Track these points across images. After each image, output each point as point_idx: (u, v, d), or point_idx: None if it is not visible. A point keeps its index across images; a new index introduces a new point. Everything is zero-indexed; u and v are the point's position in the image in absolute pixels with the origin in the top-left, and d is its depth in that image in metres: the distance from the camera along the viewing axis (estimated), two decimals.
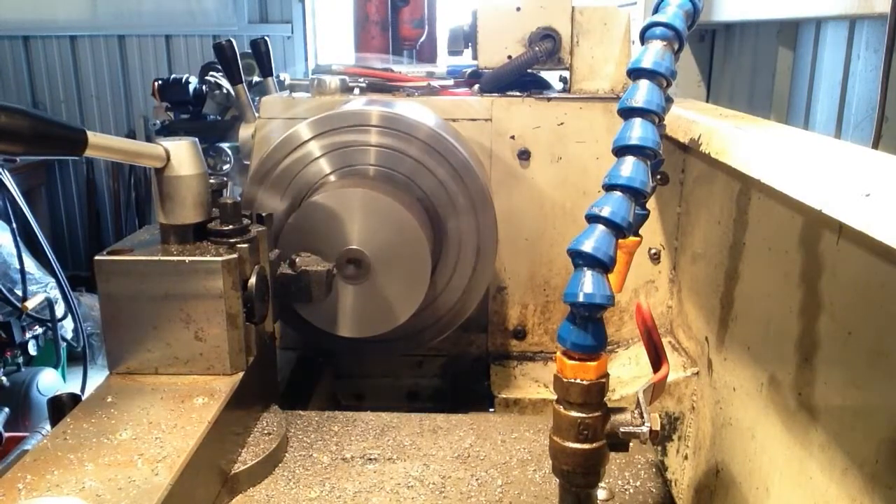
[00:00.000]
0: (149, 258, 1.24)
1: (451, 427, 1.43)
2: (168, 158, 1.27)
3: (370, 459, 1.32)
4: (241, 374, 1.27)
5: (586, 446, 1.01)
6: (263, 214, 1.41)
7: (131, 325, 1.25)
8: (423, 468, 1.29)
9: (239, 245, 1.26)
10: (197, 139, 1.32)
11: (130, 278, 1.23)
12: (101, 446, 1.07)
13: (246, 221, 1.33)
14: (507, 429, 1.43)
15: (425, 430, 1.42)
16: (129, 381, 1.25)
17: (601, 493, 1.20)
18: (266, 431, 1.33)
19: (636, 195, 1.02)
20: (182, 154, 1.28)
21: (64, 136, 1.10)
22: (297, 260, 1.46)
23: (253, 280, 1.28)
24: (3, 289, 4.31)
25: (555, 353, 1.04)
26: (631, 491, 1.25)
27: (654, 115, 1.05)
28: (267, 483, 1.24)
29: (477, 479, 1.26)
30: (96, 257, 1.25)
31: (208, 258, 1.23)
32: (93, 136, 1.12)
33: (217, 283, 1.22)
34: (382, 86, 2.15)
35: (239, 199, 1.33)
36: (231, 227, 1.29)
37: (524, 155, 2.02)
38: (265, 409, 1.40)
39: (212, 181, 1.35)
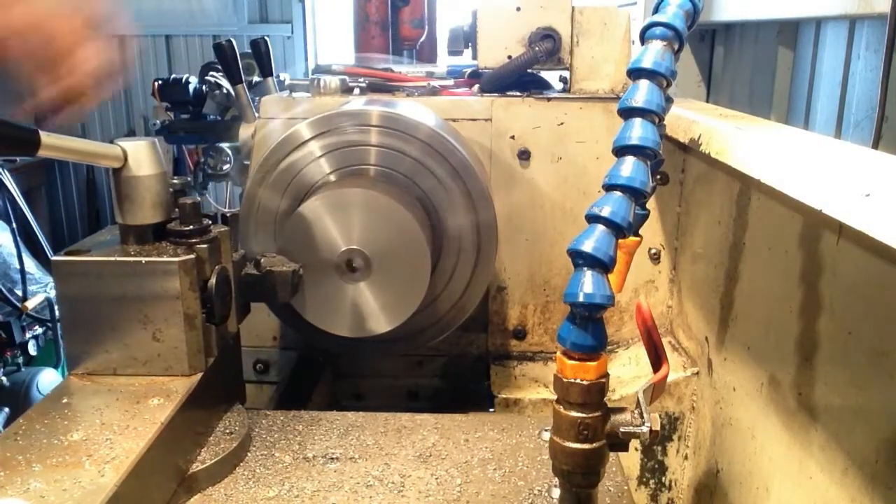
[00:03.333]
0: (105, 259, 1.23)
1: (415, 427, 1.43)
2: (125, 159, 1.26)
3: (332, 459, 1.31)
4: (199, 375, 1.26)
5: (586, 446, 1.01)
6: (228, 214, 1.40)
7: (89, 326, 1.24)
8: (383, 467, 1.29)
9: (198, 245, 1.25)
10: (156, 139, 1.31)
11: (87, 279, 1.22)
12: (52, 447, 1.06)
13: (207, 222, 1.31)
14: (471, 428, 1.43)
15: (389, 430, 1.41)
16: (87, 381, 1.24)
17: (559, 492, 1.20)
18: (228, 431, 1.32)
19: (636, 195, 1.02)
20: (140, 154, 1.27)
21: (15, 135, 1.09)
22: (262, 260, 1.46)
23: (213, 281, 1.26)
24: (3, 289, 4.31)
25: (555, 353, 1.04)
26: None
27: (654, 115, 1.05)
28: (226, 482, 1.24)
29: (436, 479, 1.26)
30: (53, 258, 1.24)
31: (165, 259, 1.22)
32: (46, 137, 1.11)
33: (174, 284, 1.21)
34: (382, 86, 2.15)
35: (199, 199, 1.32)
36: (191, 227, 1.28)
37: (524, 155, 2.01)
38: (228, 409, 1.39)
39: (175, 181, 1.34)
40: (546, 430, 1.38)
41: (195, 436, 1.25)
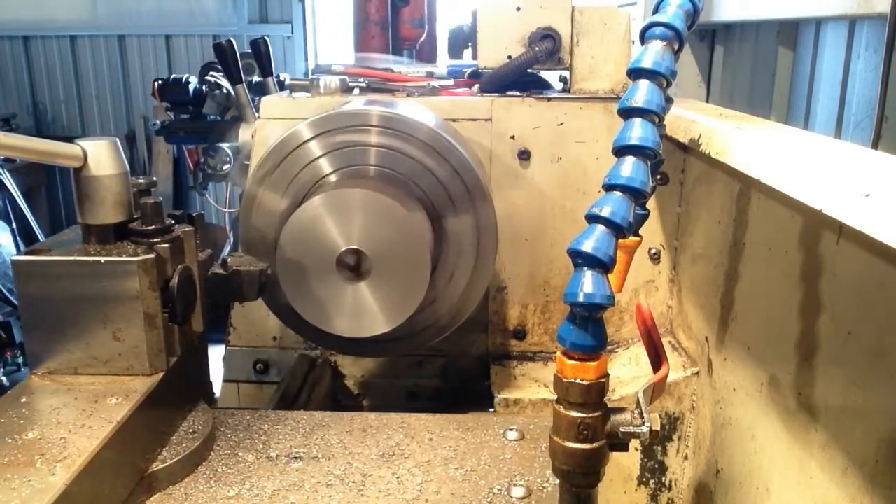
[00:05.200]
0: (65, 258, 1.23)
1: (381, 426, 1.43)
2: (85, 159, 1.25)
3: (295, 458, 1.31)
4: (160, 375, 1.25)
5: (586, 446, 1.01)
6: (193, 214, 1.39)
7: (50, 326, 1.24)
8: (346, 467, 1.29)
9: (158, 245, 1.25)
10: (117, 139, 1.30)
11: (47, 279, 1.22)
12: (5, 446, 1.06)
13: (169, 221, 1.31)
14: (436, 427, 1.43)
15: (355, 429, 1.41)
16: (48, 381, 1.24)
17: (518, 491, 1.21)
18: (191, 430, 1.31)
19: (636, 195, 1.02)
20: (101, 154, 1.26)
21: None
22: (229, 260, 1.45)
23: (175, 280, 1.26)
24: (3, 289, 4.31)
25: (555, 353, 1.05)
26: (549, 489, 1.24)
27: (654, 115, 1.06)
28: (187, 482, 1.23)
29: (397, 477, 1.26)
30: (13, 258, 1.23)
31: (124, 258, 1.22)
32: (3, 136, 1.11)
33: (133, 284, 1.21)
34: (382, 86, 2.15)
35: (160, 199, 1.31)
36: (152, 227, 1.28)
37: (524, 155, 2.02)
38: (193, 409, 1.39)
39: (140, 181, 1.33)
40: (511, 430, 1.38)
41: (157, 435, 1.25)
